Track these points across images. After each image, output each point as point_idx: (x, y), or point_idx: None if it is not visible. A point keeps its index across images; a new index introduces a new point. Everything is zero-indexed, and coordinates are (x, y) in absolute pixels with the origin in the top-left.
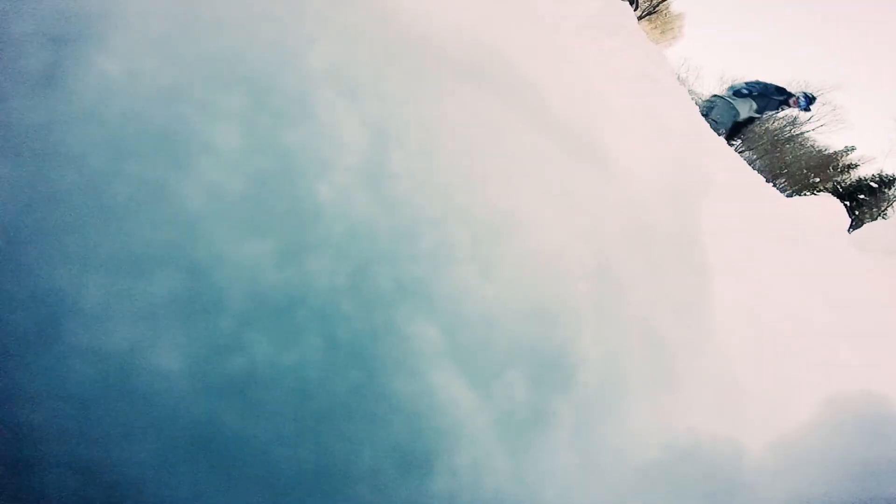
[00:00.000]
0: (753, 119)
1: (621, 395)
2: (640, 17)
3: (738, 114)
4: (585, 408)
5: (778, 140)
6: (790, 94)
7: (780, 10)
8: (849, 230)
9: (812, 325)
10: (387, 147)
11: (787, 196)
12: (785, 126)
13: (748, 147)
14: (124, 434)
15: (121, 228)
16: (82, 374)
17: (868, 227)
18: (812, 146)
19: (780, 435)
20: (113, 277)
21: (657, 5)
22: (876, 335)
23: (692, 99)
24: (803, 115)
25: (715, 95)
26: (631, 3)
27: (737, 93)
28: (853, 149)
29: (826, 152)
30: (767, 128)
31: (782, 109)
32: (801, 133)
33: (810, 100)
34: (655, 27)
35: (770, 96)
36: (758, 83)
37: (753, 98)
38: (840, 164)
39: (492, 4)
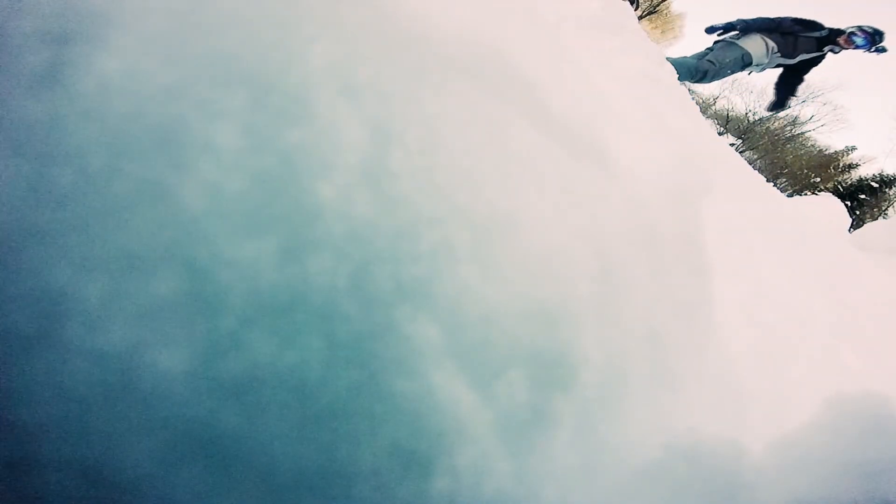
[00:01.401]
0: (782, 66)
1: (622, 396)
2: (640, 17)
3: (746, 54)
4: (586, 408)
5: (778, 140)
6: (833, 30)
7: (781, 9)
8: (849, 230)
9: (813, 325)
10: (387, 146)
11: (788, 196)
12: (786, 126)
13: (749, 147)
14: (124, 434)
15: (121, 228)
16: (82, 374)
17: (869, 226)
18: (813, 146)
19: (782, 435)
20: (113, 277)
21: (657, 5)
22: (877, 335)
23: (692, 98)
24: (802, 113)
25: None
26: (631, 3)
27: (737, 28)
28: (854, 149)
29: (827, 152)
30: (768, 127)
31: (833, 51)
32: (802, 133)
33: (874, 35)
34: (656, 27)
35: (796, 34)
36: (763, 18)
37: (767, 36)
38: (841, 164)
39: (492, 4)
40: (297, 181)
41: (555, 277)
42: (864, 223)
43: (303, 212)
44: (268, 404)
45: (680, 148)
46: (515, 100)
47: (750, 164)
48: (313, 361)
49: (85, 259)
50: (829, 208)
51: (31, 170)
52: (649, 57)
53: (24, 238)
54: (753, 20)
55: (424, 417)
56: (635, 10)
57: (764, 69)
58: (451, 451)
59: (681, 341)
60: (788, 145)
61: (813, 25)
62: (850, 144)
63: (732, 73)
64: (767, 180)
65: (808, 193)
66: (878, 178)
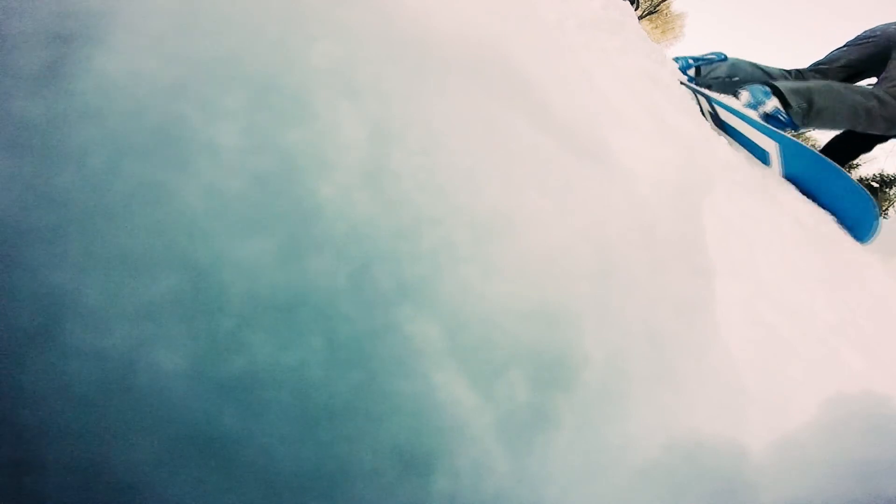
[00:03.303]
0: None
1: (623, 396)
2: (640, 17)
3: None
4: (587, 408)
5: None
6: None
7: (781, 9)
8: None
9: (814, 324)
10: (387, 146)
11: None
12: None
13: None
14: (124, 434)
15: (121, 228)
16: (82, 374)
17: None
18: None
19: (782, 435)
20: (113, 277)
21: (658, 5)
22: (878, 335)
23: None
24: None
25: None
26: (632, 3)
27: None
28: None
29: None
30: None
31: None
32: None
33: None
34: (656, 27)
35: None
36: None
37: None
38: None
39: (492, 4)
40: (297, 181)
41: (555, 277)
42: None
43: (303, 212)
44: (268, 404)
45: (681, 147)
46: (515, 100)
47: None
48: (313, 361)
49: (85, 259)
50: None
51: (31, 170)
52: (649, 57)
53: (24, 238)
54: None
55: (424, 417)
56: (635, 10)
57: None
58: (451, 451)
59: (681, 341)
60: None
61: None
62: None
63: None
64: None
65: None
66: (879, 178)
